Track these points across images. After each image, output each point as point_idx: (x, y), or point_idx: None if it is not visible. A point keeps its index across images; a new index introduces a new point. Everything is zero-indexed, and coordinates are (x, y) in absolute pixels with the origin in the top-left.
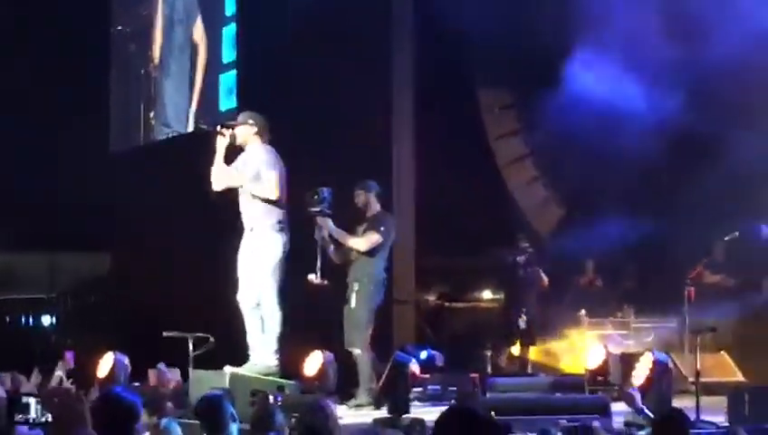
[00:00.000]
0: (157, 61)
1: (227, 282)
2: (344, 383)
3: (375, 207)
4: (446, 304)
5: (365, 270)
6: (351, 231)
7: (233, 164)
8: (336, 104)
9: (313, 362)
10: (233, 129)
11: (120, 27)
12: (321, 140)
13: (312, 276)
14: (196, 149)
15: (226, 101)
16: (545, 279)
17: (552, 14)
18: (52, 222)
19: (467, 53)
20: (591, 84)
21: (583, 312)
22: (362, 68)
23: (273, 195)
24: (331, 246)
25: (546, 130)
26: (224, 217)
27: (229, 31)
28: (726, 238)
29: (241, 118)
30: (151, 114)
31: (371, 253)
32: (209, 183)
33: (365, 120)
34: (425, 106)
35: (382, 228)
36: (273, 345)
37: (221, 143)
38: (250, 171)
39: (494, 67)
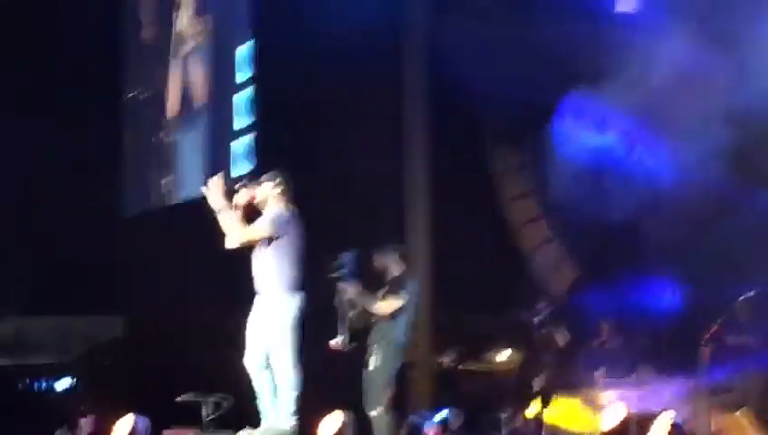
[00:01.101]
0: (172, 126)
1: (241, 344)
2: None
3: (395, 270)
4: (462, 365)
5: (385, 333)
6: (371, 295)
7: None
8: (352, 167)
9: (331, 425)
10: (256, 187)
11: (134, 93)
12: (338, 204)
13: (334, 342)
14: (211, 212)
15: (239, 167)
16: (562, 339)
17: (564, 73)
18: (63, 286)
19: (481, 115)
20: (606, 143)
21: (599, 372)
22: (377, 131)
23: (258, 233)
24: (353, 311)
25: (560, 190)
26: (238, 278)
27: (241, 97)
28: (741, 298)
29: (265, 177)
30: (165, 179)
31: (392, 316)
32: (223, 242)
33: (381, 182)
34: (440, 168)
35: (403, 292)
36: (291, 407)
37: (240, 199)
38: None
39: (507, 129)
